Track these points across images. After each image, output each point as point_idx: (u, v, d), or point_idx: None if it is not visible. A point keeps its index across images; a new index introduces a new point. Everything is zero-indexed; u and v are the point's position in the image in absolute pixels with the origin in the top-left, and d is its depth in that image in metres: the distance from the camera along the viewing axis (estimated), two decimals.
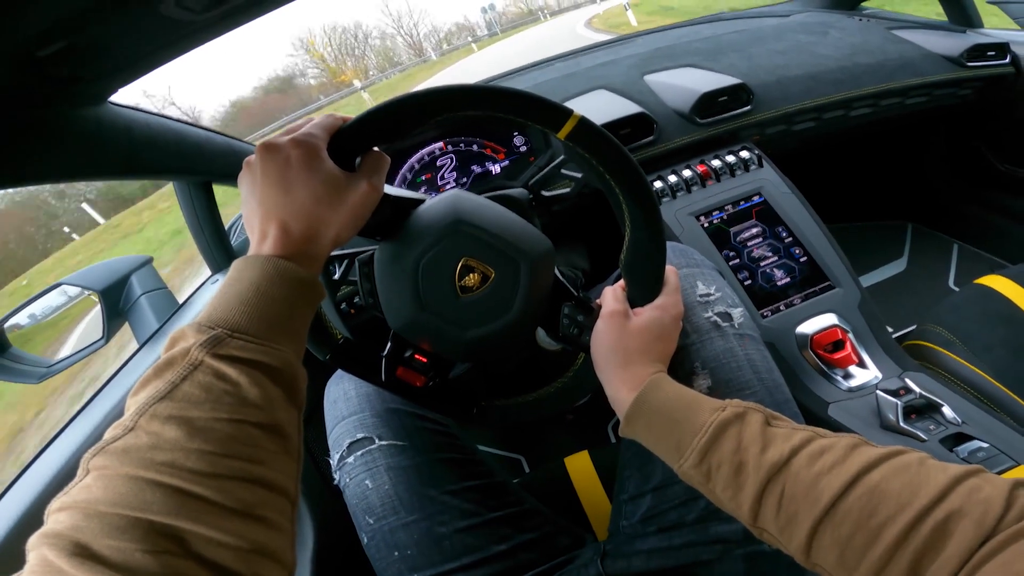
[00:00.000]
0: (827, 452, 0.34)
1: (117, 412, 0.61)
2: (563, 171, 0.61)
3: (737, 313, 0.55)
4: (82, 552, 0.24)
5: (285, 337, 0.35)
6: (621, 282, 0.51)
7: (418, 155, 0.87)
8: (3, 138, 0.47)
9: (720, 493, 0.37)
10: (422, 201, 0.50)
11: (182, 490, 0.26)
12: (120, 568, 0.23)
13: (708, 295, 0.56)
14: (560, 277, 0.52)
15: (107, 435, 0.29)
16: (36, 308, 0.90)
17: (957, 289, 1.30)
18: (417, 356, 0.53)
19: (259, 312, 0.33)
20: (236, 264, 0.36)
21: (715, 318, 0.54)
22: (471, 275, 0.47)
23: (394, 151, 0.87)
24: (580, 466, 0.74)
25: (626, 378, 0.45)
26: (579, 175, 0.59)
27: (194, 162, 0.75)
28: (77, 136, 0.55)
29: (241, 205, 0.40)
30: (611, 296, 0.50)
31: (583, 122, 0.43)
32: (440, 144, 0.88)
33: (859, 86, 0.99)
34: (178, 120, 0.70)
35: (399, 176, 0.87)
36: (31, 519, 0.50)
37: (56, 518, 0.26)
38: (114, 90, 0.56)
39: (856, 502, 0.31)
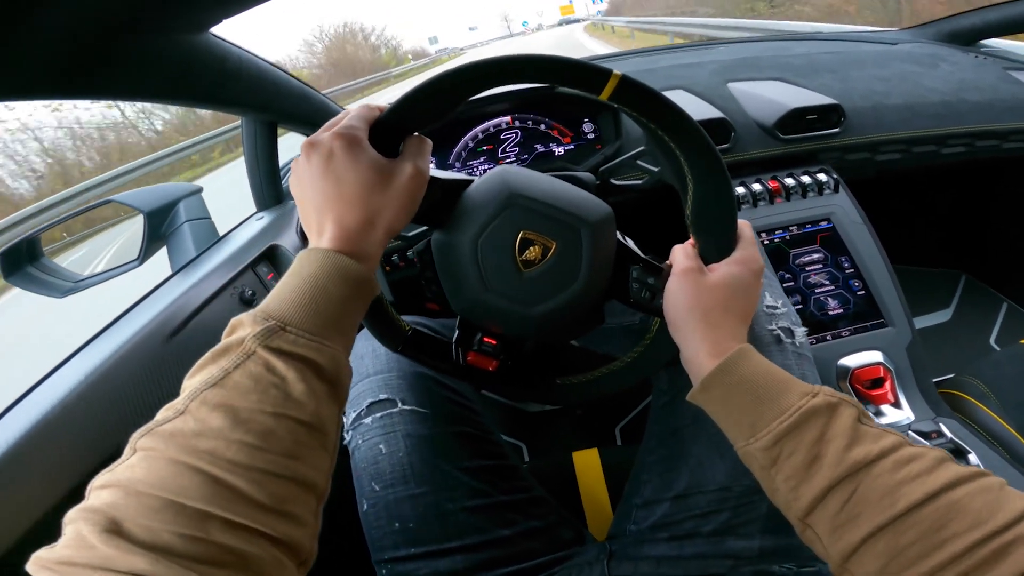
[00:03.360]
0: (915, 461, 0.35)
1: (138, 340, 0.66)
2: (639, 162, 0.66)
3: (800, 332, 0.58)
4: (114, 529, 0.27)
5: (336, 333, 0.39)
6: (692, 240, 0.52)
7: (483, 125, 0.97)
8: (116, 54, 0.55)
9: (780, 481, 0.39)
10: (471, 182, 0.53)
11: (218, 479, 0.30)
12: (147, 546, 0.27)
13: (775, 308, 0.59)
14: (624, 240, 0.54)
15: (159, 415, 0.33)
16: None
17: (998, 347, 1.36)
18: (486, 339, 0.55)
19: (313, 307, 0.37)
20: (299, 256, 0.40)
21: (778, 331, 0.57)
22: (532, 248, 0.49)
23: (459, 120, 0.96)
24: (587, 462, 0.80)
25: (706, 341, 0.46)
26: (655, 169, 0.63)
27: (269, 101, 0.86)
28: (177, 60, 0.64)
29: (298, 209, 0.45)
30: (682, 254, 0.51)
31: (625, 80, 0.44)
32: (507, 118, 0.97)
33: (961, 123, 1.03)
34: (263, 59, 0.81)
35: (461, 143, 0.97)
36: (22, 450, 0.53)
37: (97, 494, 0.30)
38: (217, 21, 0.65)
39: (932, 513, 0.33)
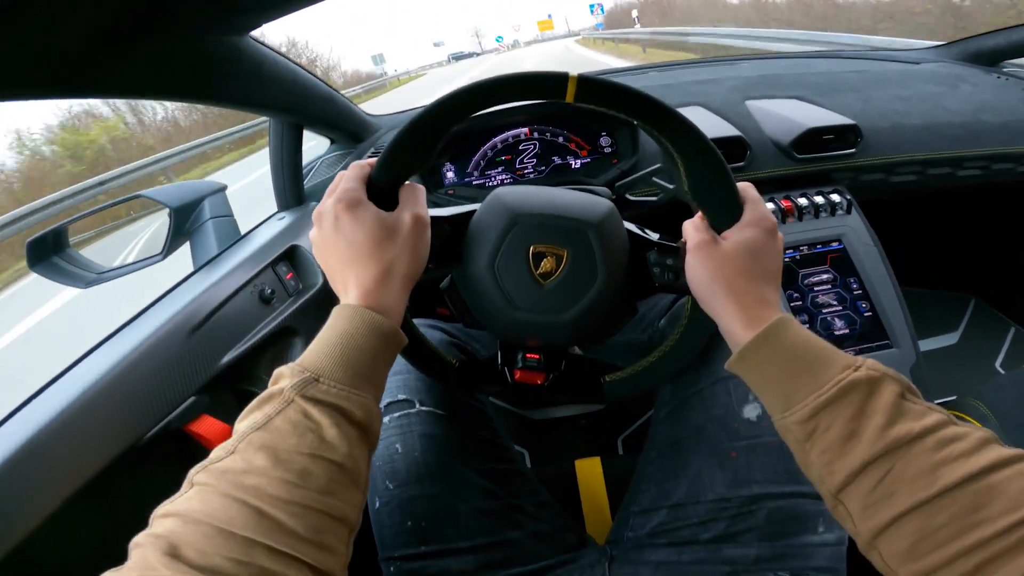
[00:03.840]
0: (958, 441, 0.35)
1: (162, 334, 0.69)
2: (655, 179, 0.68)
3: None
4: (173, 552, 0.31)
5: (366, 383, 0.43)
6: (700, 213, 0.53)
7: (502, 136, 0.99)
8: (165, 54, 0.58)
9: (815, 456, 0.39)
10: (473, 212, 0.56)
11: (262, 512, 0.34)
12: (201, 568, 0.31)
13: None
14: (633, 228, 0.56)
15: (213, 454, 0.38)
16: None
17: (1003, 371, 1.37)
18: (528, 355, 0.58)
19: (344, 360, 0.42)
20: (334, 311, 0.45)
21: None
22: (545, 260, 0.52)
23: (478, 130, 0.99)
24: (589, 470, 0.83)
25: (737, 311, 0.46)
26: (671, 186, 0.64)
27: (298, 104, 0.89)
28: (218, 62, 0.67)
29: (326, 274, 0.50)
30: (692, 228, 0.51)
31: (583, 79, 0.46)
32: (526, 130, 0.99)
33: (978, 145, 1.04)
34: (294, 62, 0.84)
35: (479, 153, 1.00)
36: (45, 440, 0.55)
37: (160, 522, 0.34)
38: (258, 25, 0.68)
39: (968, 495, 0.33)
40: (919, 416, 0.37)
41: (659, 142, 0.51)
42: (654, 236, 0.57)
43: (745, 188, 0.52)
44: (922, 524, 0.34)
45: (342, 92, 1.03)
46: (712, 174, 0.50)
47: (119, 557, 0.33)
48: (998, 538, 0.31)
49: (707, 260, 0.49)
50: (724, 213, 0.50)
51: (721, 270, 0.48)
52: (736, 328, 0.46)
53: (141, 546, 0.32)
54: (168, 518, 0.34)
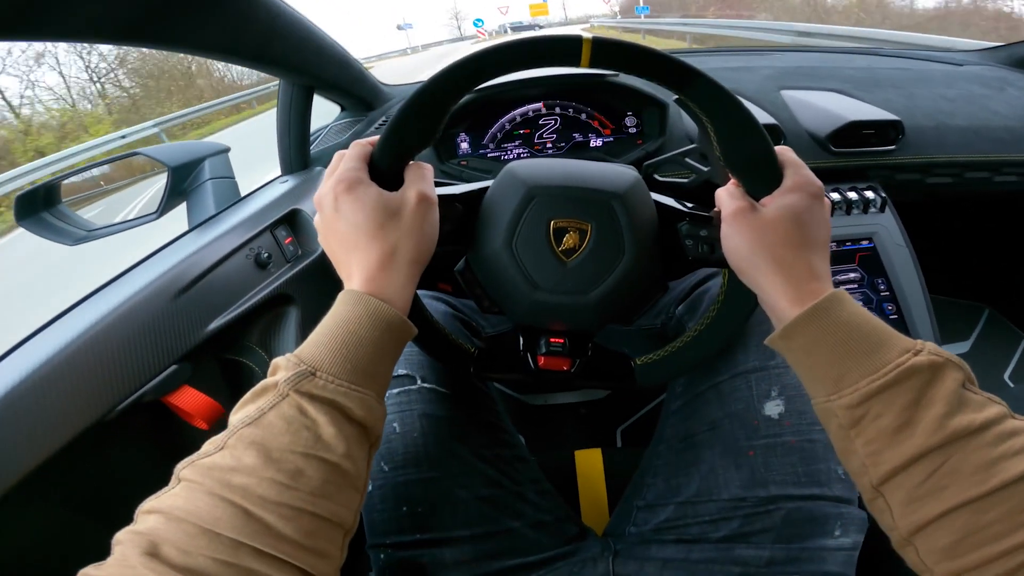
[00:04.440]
0: (1017, 436, 0.33)
1: (145, 295, 0.64)
2: (688, 159, 0.63)
3: None
4: (153, 551, 0.30)
5: (368, 379, 0.40)
6: (733, 180, 0.48)
7: (521, 109, 0.95)
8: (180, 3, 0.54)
9: (861, 445, 0.37)
10: (486, 188, 0.53)
11: (249, 512, 0.33)
12: (181, 568, 0.30)
13: None
14: (661, 199, 0.53)
15: (203, 448, 0.36)
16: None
17: (1011, 384, 1.35)
18: (552, 340, 0.55)
19: (345, 352, 0.39)
20: (338, 297, 0.42)
21: None
22: (567, 236, 0.48)
23: (497, 102, 0.95)
24: (589, 462, 0.80)
25: (783, 284, 0.42)
26: (705, 169, 0.61)
27: (311, 64, 0.85)
28: (229, 10, 0.62)
29: (333, 264, 0.47)
30: (727, 195, 0.47)
31: (598, 41, 0.42)
32: (541, 104, 0.95)
33: (1018, 150, 1.00)
34: (309, 21, 0.79)
35: (497, 125, 0.96)
36: (11, 402, 0.52)
37: (144, 519, 0.33)
38: None
39: (1021, 493, 0.31)
40: (980, 407, 0.35)
41: (686, 107, 0.48)
42: (686, 206, 0.52)
43: (784, 151, 0.47)
44: (970, 521, 0.32)
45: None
46: (746, 135, 0.45)
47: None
48: None
49: (747, 229, 0.44)
50: (762, 178, 0.45)
51: (763, 240, 0.43)
52: (782, 303, 0.42)
53: (122, 543, 0.31)
54: (152, 515, 0.33)
